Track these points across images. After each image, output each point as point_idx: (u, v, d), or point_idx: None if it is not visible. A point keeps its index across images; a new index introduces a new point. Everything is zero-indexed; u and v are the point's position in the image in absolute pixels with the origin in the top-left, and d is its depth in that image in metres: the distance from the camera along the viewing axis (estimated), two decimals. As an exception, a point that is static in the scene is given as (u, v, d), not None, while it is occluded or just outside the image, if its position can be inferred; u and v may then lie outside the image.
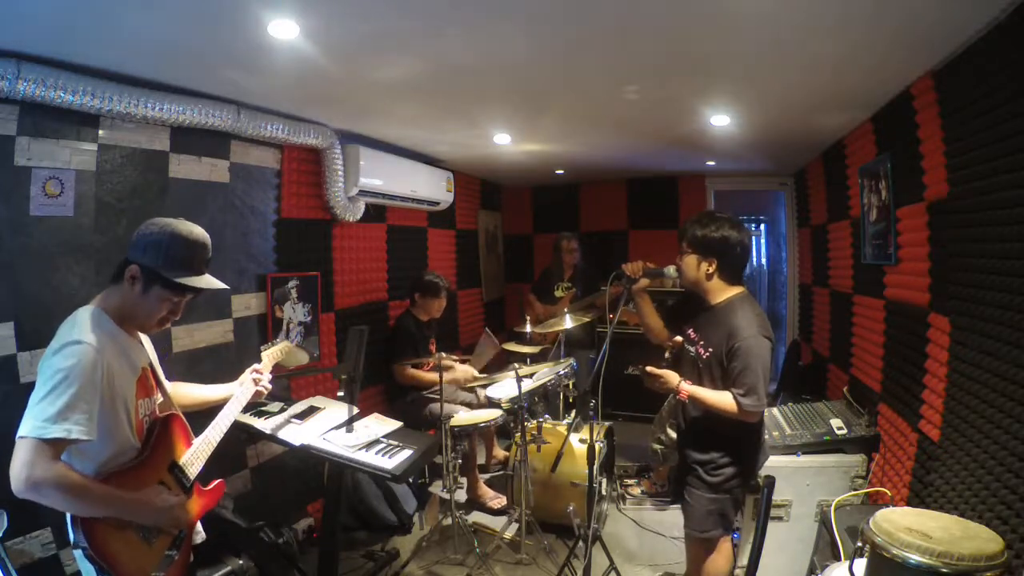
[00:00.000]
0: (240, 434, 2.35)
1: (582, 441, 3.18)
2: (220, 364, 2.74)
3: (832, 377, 3.87)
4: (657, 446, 3.43)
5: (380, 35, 1.97)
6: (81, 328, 1.35)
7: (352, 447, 2.07)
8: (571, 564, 2.67)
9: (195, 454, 1.61)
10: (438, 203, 4.34)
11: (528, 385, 3.18)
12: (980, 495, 1.83)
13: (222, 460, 1.77)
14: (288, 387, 3.20)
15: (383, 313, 4.11)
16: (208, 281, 1.55)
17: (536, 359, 3.72)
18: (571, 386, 3.65)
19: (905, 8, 1.73)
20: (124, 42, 1.93)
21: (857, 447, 2.61)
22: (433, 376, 3.50)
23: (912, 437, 2.37)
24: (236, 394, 1.83)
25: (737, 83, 2.58)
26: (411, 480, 3.50)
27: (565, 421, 3.65)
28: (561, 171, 5.39)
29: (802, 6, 1.73)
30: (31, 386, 1.30)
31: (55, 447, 1.25)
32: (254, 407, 2.31)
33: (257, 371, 1.93)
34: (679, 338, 2.29)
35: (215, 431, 1.70)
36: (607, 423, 3.39)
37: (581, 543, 2.59)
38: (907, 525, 1.39)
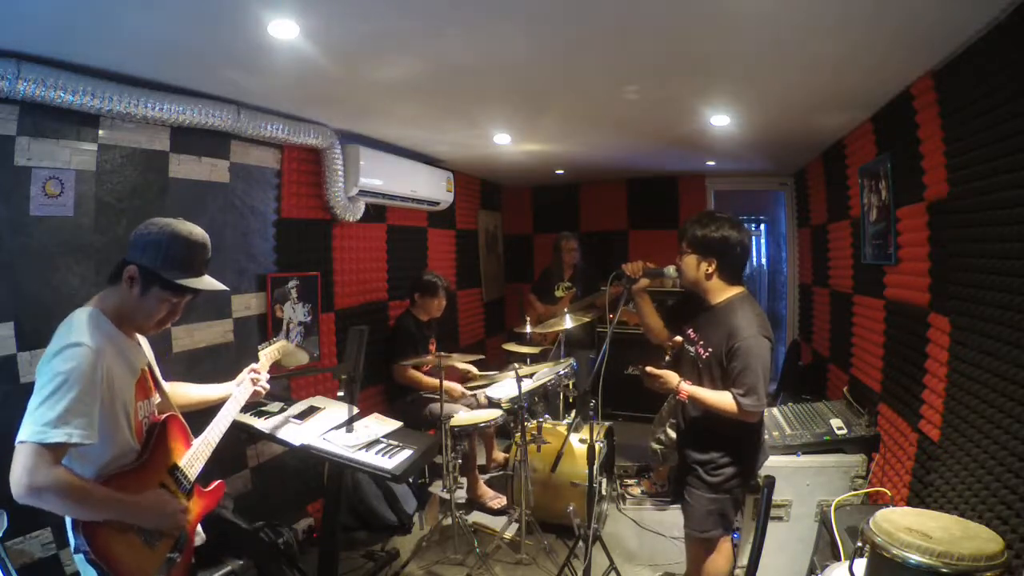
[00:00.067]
0: (240, 434, 2.36)
1: (582, 441, 3.18)
2: (220, 364, 2.74)
3: (832, 377, 3.87)
4: (657, 446, 3.42)
5: (380, 35, 1.97)
6: (79, 330, 1.34)
7: (352, 447, 2.07)
8: (571, 564, 2.67)
9: (195, 455, 1.60)
10: (438, 203, 4.34)
11: (528, 385, 3.18)
12: (980, 495, 1.83)
13: (222, 460, 1.77)
14: (288, 387, 3.20)
15: (383, 313, 4.11)
16: (208, 283, 1.53)
17: (536, 359, 3.72)
18: (571, 386, 3.65)
19: (905, 8, 1.73)
20: (124, 42, 1.93)
21: (857, 447, 2.61)
22: (432, 380, 3.51)
23: (912, 437, 2.37)
24: (234, 394, 1.83)
25: (737, 83, 2.58)
26: (411, 480, 3.50)
27: (565, 421, 3.65)
28: (561, 171, 5.39)
29: (802, 6, 1.73)
30: (31, 386, 1.29)
31: (56, 452, 1.24)
32: (254, 407, 2.31)
33: (255, 371, 1.92)
34: (679, 338, 2.29)
35: (214, 432, 1.69)
36: (607, 423, 3.39)
37: (581, 543, 2.59)
38: (907, 525, 1.39)
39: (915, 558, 1.31)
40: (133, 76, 2.24)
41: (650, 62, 2.26)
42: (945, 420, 2.12)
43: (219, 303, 2.80)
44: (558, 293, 4.64)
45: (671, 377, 2.08)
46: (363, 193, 3.47)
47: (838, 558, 1.96)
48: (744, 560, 2.36)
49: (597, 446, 2.42)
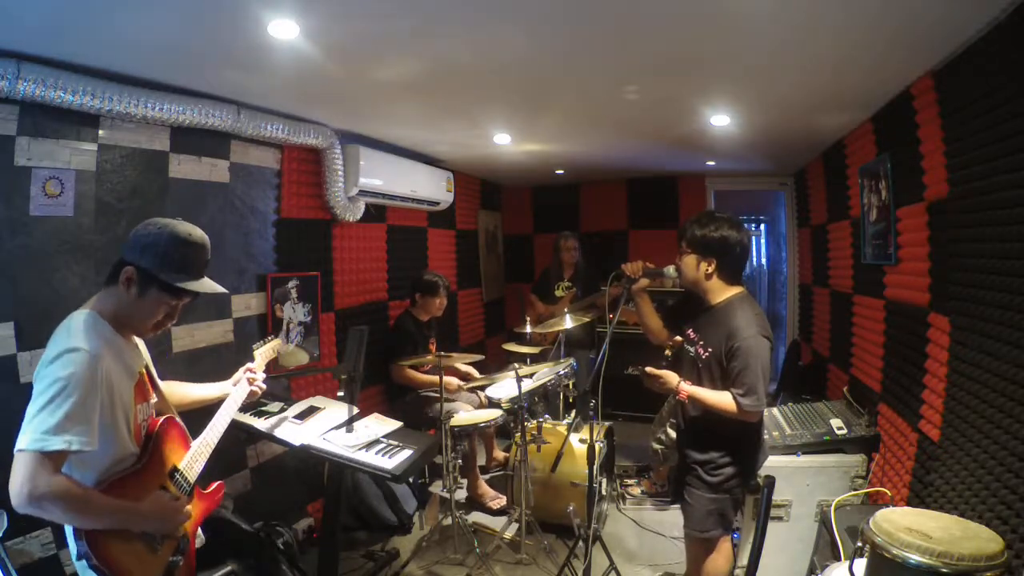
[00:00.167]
0: (240, 434, 2.36)
1: (582, 441, 3.18)
2: (220, 364, 2.74)
3: (832, 377, 3.87)
4: (657, 446, 3.43)
5: (380, 35, 1.97)
6: (77, 334, 1.32)
7: (352, 447, 2.07)
8: (571, 564, 2.67)
9: (194, 457, 1.59)
10: (438, 203, 4.34)
11: (528, 385, 3.18)
12: (980, 495, 1.83)
13: (222, 460, 1.77)
14: (288, 387, 3.21)
15: (383, 313, 4.11)
16: (207, 285, 1.50)
17: (536, 359, 3.72)
18: (571, 386, 3.65)
19: (905, 8, 1.73)
20: (124, 42, 1.93)
21: (857, 447, 2.61)
22: (428, 377, 3.51)
23: (912, 437, 2.37)
24: (231, 394, 1.82)
25: (737, 83, 2.58)
26: (411, 480, 3.51)
27: (565, 421, 3.65)
28: (561, 171, 5.38)
29: (802, 6, 1.73)
30: (31, 386, 1.28)
31: (56, 460, 1.22)
32: (254, 407, 2.31)
33: (251, 370, 1.92)
34: (679, 338, 2.29)
35: (212, 433, 1.68)
36: (607, 423, 3.39)
37: (581, 543, 2.59)
38: (907, 525, 1.39)
39: (915, 558, 1.31)
40: (133, 76, 2.24)
41: (650, 62, 2.26)
42: (945, 420, 2.12)
43: (219, 303, 2.80)
44: (558, 293, 4.63)
45: (671, 377, 2.08)
46: (363, 193, 3.47)
47: (838, 558, 1.96)
48: (744, 560, 2.36)
49: (597, 446, 2.42)
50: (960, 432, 2.00)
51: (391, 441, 2.16)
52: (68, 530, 1.34)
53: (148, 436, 1.49)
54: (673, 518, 3.18)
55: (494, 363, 4.77)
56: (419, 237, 4.71)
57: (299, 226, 3.29)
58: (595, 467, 2.35)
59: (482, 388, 3.62)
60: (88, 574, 1.29)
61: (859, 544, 1.50)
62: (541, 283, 4.78)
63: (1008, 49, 1.74)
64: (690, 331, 2.16)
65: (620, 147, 4.21)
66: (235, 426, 1.80)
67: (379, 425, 2.28)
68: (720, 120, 3.16)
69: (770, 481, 2.06)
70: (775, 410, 2.90)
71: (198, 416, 1.75)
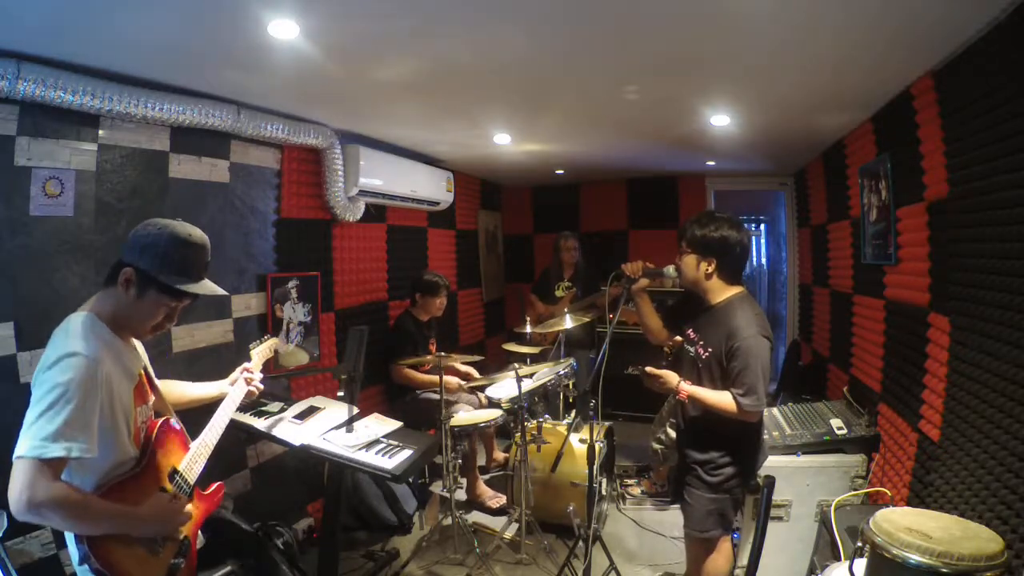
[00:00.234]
0: (240, 434, 2.36)
1: (582, 441, 3.18)
2: (220, 364, 2.74)
3: (832, 377, 3.87)
4: (657, 446, 3.43)
5: (380, 35, 1.97)
6: (76, 338, 1.30)
7: (352, 447, 2.07)
8: (571, 564, 2.67)
9: (193, 459, 1.58)
10: (438, 203, 4.34)
11: (528, 385, 3.18)
12: (980, 495, 1.83)
13: (222, 461, 1.77)
14: (288, 387, 3.21)
15: (383, 313, 4.11)
16: (207, 287, 1.49)
17: (536, 359, 3.72)
18: (571, 386, 3.65)
19: (905, 8, 1.73)
20: (124, 42, 1.93)
21: (857, 447, 2.61)
22: (428, 377, 3.51)
23: (912, 437, 2.37)
24: (229, 394, 1.82)
25: (737, 83, 2.58)
26: (411, 480, 3.51)
27: (565, 421, 3.65)
28: (561, 171, 5.38)
29: (802, 6, 1.73)
30: (30, 386, 1.28)
31: (55, 467, 1.20)
32: (254, 407, 2.31)
33: (248, 370, 1.91)
34: (679, 338, 2.29)
35: (211, 434, 1.67)
36: (607, 423, 3.39)
37: (581, 543, 2.59)
38: (907, 525, 1.39)
39: (915, 558, 1.31)
40: (133, 76, 2.24)
41: (650, 62, 2.26)
42: (945, 420, 2.12)
43: (219, 303, 2.80)
44: (558, 293, 4.63)
45: (671, 377, 2.08)
46: (363, 193, 3.47)
47: (838, 558, 1.96)
48: (744, 560, 2.36)
49: (597, 446, 2.42)
50: (960, 432, 2.00)
51: (391, 441, 2.16)
52: (69, 535, 1.33)
53: (147, 438, 1.47)
54: (673, 518, 3.18)
55: (494, 363, 4.77)
56: (419, 237, 4.71)
57: (299, 226, 3.29)
58: (595, 467, 2.35)
59: (481, 388, 3.62)
60: None
61: (859, 544, 1.50)
62: (541, 283, 4.78)
63: (1008, 49, 1.74)
64: (690, 331, 2.16)
65: (620, 147, 4.21)
66: (235, 426, 1.80)
67: (379, 425, 2.28)
68: (720, 120, 3.16)
69: (770, 481, 2.06)
70: (775, 410, 2.90)
71: (196, 416, 1.75)
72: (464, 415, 3.31)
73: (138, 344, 1.57)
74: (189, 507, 1.52)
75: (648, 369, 2.10)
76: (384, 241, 4.17)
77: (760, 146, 4.00)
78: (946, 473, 2.06)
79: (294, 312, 3.22)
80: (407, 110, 3.05)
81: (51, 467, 1.20)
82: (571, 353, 4.01)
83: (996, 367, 1.82)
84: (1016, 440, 1.69)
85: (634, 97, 2.71)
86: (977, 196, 1.97)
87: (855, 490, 2.46)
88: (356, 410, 2.23)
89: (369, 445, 2.11)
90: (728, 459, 2.06)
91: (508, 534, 3.21)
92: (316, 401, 2.46)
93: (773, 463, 2.35)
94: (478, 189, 5.84)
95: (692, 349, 2.13)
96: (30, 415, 1.23)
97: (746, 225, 3.34)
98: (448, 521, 3.07)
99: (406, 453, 2.06)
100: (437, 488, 3.64)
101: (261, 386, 1.93)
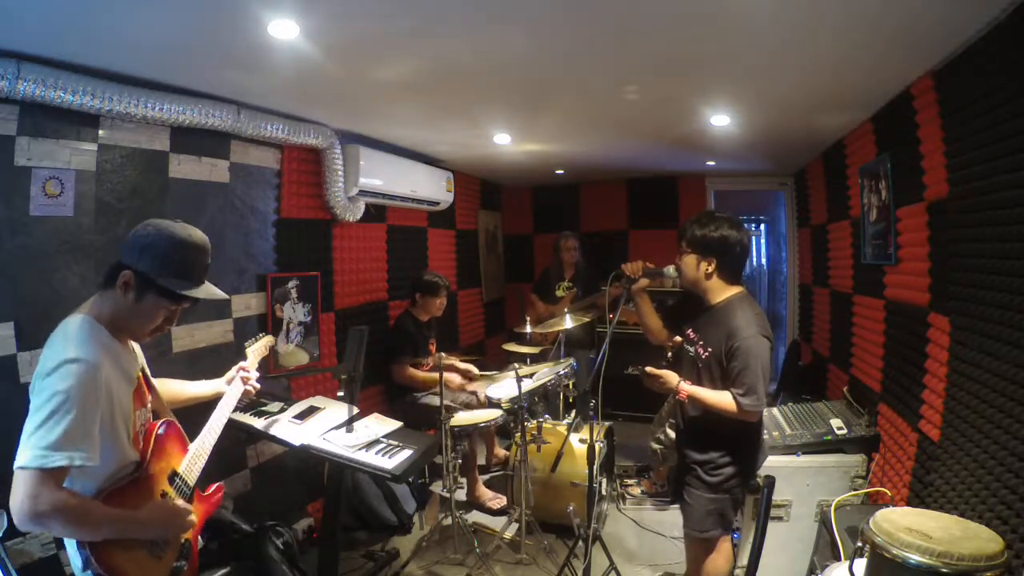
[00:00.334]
0: (240, 434, 2.36)
1: (582, 441, 3.18)
2: (220, 364, 2.72)
3: (832, 377, 3.87)
4: (657, 446, 3.42)
5: (380, 35, 1.96)
6: (75, 342, 1.28)
7: (352, 447, 2.07)
8: (571, 564, 2.67)
9: (192, 460, 1.58)
10: (438, 203, 4.34)
11: (528, 385, 3.18)
12: (980, 495, 1.83)
13: (222, 461, 1.76)
14: (288, 387, 3.21)
15: (383, 313, 4.11)
16: (208, 291, 1.47)
17: (536, 359, 3.72)
18: (571, 386, 3.65)
19: (905, 8, 1.72)
20: (124, 42, 1.93)
21: (857, 447, 2.61)
22: (428, 376, 3.51)
23: (912, 437, 2.37)
24: (226, 394, 1.81)
25: (737, 83, 2.58)
26: (411, 480, 3.50)
27: (565, 421, 3.65)
28: (561, 171, 5.38)
29: (802, 6, 1.73)
30: (29, 390, 1.26)
31: (57, 476, 1.19)
32: (254, 407, 2.31)
33: (244, 369, 1.91)
34: (679, 338, 2.29)
35: (210, 435, 1.67)
36: (607, 423, 3.39)
37: (581, 543, 2.58)
38: (907, 525, 1.39)
39: (915, 558, 1.31)
40: (133, 76, 2.24)
41: (650, 62, 2.26)
42: (945, 420, 2.12)
43: (219, 303, 2.79)
44: (558, 293, 4.63)
45: (671, 377, 2.08)
46: (363, 193, 3.47)
47: (838, 558, 1.96)
48: (744, 560, 2.36)
49: (597, 446, 2.42)
50: (960, 432, 2.00)
51: (391, 441, 2.15)
52: (70, 541, 1.32)
53: (147, 441, 1.47)
54: (673, 518, 3.18)
55: (494, 363, 4.77)
56: (419, 237, 4.71)
57: (299, 226, 3.29)
58: (595, 467, 2.35)
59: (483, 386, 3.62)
60: None
61: (859, 544, 1.50)
62: (541, 283, 4.78)
63: (1008, 49, 1.74)
64: (690, 331, 2.16)
65: (620, 147, 4.21)
66: (235, 426, 1.80)
67: (379, 425, 2.28)
68: (720, 120, 3.16)
69: (770, 481, 2.06)
70: (775, 410, 2.90)
71: (194, 416, 1.75)
72: (464, 415, 3.31)
73: (135, 346, 1.56)
74: (192, 511, 1.51)
75: (648, 369, 2.10)
76: (384, 241, 4.17)
77: (760, 146, 4.00)
78: (946, 473, 2.06)
79: (294, 312, 3.22)
80: (407, 110, 3.05)
81: (53, 477, 1.19)
82: (571, 353, 4.01)
83: (996, 367, 1.81)
84: (1016, 440, 1.69)
85: (634, 97, 2.71)
86: (977, 196, 1.97)
87: (855, 490, 2.46)
88: (356, 410, 2.23)
89: (369, 445, 2.10)
90: (728, 459, 2.06)
91: (508, 534, 3.21)
92: (316, 401, 2.46)
93: (773, 463, 2.35)
94: (478, 189, 5.84)
95: (692, 349, 2.13)
96: (30, 424, 1.21)
97: (746, 225, 3.34)
98: (448, 521, 3.07)
99: (406, 453, 2.06)
100: (437, 488, 3.64)
101: (258, 385, 1.93)
